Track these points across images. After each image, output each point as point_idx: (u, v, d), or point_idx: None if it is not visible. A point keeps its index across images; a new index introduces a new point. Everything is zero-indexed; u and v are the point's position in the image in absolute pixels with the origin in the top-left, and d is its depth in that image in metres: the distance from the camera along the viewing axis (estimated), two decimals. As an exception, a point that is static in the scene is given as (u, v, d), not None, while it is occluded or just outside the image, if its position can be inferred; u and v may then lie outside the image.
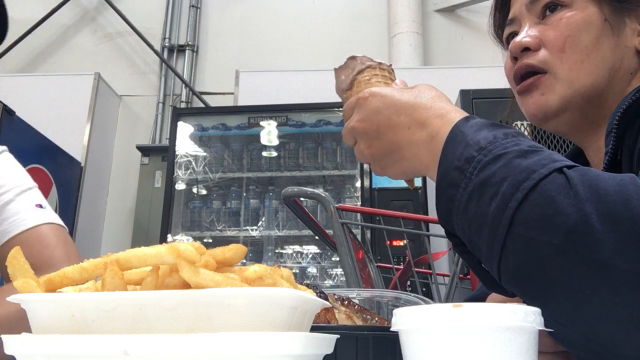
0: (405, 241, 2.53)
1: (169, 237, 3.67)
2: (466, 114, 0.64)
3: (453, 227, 0.59)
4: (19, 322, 0.53)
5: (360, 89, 0.74)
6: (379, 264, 2.45)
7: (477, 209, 0.54)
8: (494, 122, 0.60)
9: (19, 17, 4.72)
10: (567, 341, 0.55)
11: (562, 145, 2.84)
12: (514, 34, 0.86)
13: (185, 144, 4.06)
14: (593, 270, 0.47)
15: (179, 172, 3.98)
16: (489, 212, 0.53)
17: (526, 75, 0.81)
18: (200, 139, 4.18)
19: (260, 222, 3.94)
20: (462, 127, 0.60)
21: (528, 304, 0.52)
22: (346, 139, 0.75)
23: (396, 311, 0.47)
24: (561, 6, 0.80)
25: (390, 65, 0.78)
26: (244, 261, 0.58)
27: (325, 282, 3.89)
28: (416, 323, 0.45)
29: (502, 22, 0.92)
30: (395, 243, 3.07)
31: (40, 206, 1.17)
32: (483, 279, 0.63)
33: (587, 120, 0.80)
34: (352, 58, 0.78)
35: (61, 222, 1.18)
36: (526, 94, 0.82)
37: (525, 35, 0.81)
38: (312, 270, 3.94)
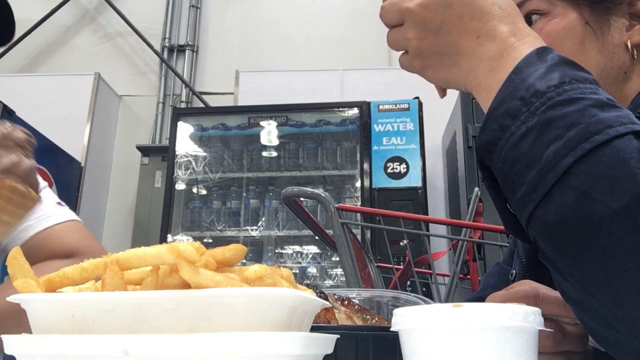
0: (405, 241, 2.53)
1: (169, 237, 3.67)
2: (544, 44, 0.59)
3: (491, 158, 0.55)
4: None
5: None
6: (379, 264, 2.45)
7: (531, 147, 0.50)
8: (573, 62, 0.56)
9: (19, 17, 4.70)
10: (579, 305, 0.52)
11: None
12: None
13: (185, 144, 4.06)
14: None
15: (179, 172, 3.98)
16: (544, 154, 0.49)
17: None
18: (200, 139, 4.18)
19: (260, 222, 3.94)
20: (537, 56, 0.56)
21: (549, 258, 0.51)
22: (388, 15, 0.66)
23: (396, 311, 0.47)
24: (540, 15, 0.79)
25: None
26: (244, 261, 0.58)
27: (325, 282, 3.89)
28: (416, 323, 0.45)
29: None
30: (395, 243, 3.07)
31: (60, 204, 1.20)
32: (504, 218, 0.59)
33: None
34: None
35: (81, 220, 1.23)
36: None
37: None
38: (312, 270, 3.94)
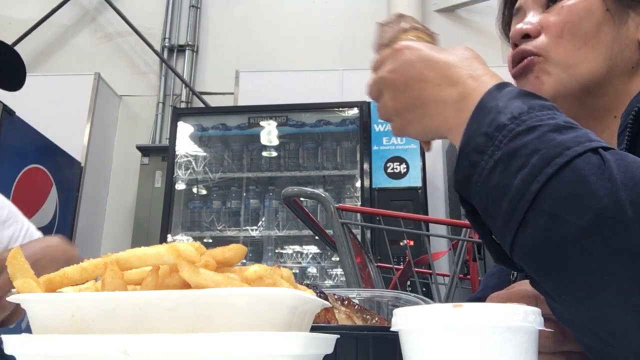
0: (405, 241, 2.53)
1: (169, 237, 3.67)
2: (501, 80, 0.62)
3: (469, 194, 0.57)
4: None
5: None
6: (379, 264, 2.46)
7: (500, 178, 0.52)
8: (530, 92, 0.59)
9: (19, 17, 4.72)
10: (572, 324, 0.53)
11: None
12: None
13: (185, 144, 4.06)
14: (618, 257, 0.45)
15: (179, 172, 3.98)
16: (513, 184, 0.51)
17: (522, 60, 0.81)
18: (200, 139, 4.18)
19: (260, 222, 3.94)
20: (496, 92, 0.59)
21: (537, 282, 0.52)
22: (371, 90, 0.72)
23: (396, 311, 0.47)
24: None
25: (435, 34, 0.77)
26: (244, 261, 0.58)
27: (325, 282, 3.89)
28: (416, 323, 0.45)
29: (510, 19, 0.92)
30: (395, 243, 3.07)
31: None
32: (492, 250, 0.61)
33: (586, 111, 0.80)
34: (400, 16, 0.76)
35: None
36: (521, 78, 0.82)
37: (526, 22, 0.81)
38: (312, 270, 3.94)
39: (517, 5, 0.87)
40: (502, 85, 0.60)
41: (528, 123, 0.53)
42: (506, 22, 0.95)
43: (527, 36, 0.81)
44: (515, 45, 0.83)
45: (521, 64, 0.81)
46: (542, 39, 0.79)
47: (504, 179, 0.52)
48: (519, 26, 0.82)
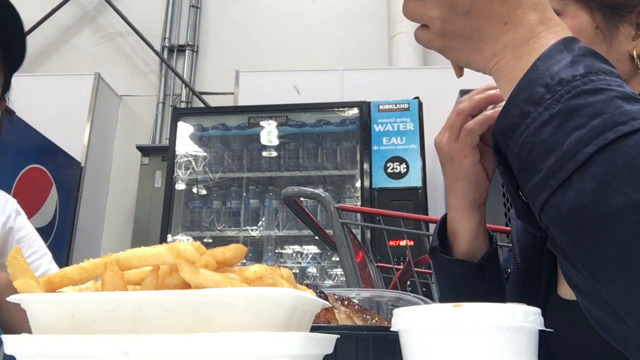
0: (405, 241, 2.53)
1: (169, 237, 3.67)
2: (571, 34, 0.58)
3: (507, 143, 0.55)
4: None
5: None
6: (379, 264, 2.45)
7: (552, 134, 0.50)
8: (600, 55, 0.56)
9: (19, 17, 4.71)
10: (586, 294, 0.52)
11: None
12: None
13: (185, 144, 4.06)
14: None
15: (179, 172, 3.98)
16: (565, 141, 0.49)
17: None
18: (200, 139, 4.18)
19: (260, 222, 3.94)
20: (565, 45, 0.55)
21: (561, 246, 0.50)
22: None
23: (396, 311, 0.47)
24: None
25: None
26: (244, 261, 0.58)
27: (325, 282, 3.89)
28: (416, 323, 0.45)
29: None
30: (395, 243, 3.07)
31: None
32: (517, 206, 0.59)
33: None
34: None
35: None
36: None
37: None
38: (312, 270, 3.94)
39: None
40: (572, 40, 0.57)
41: (596, 84, 0.51)
42: None
43: None
44: None
45: None
46: None
47: (555, 135, 0.50)
48: None
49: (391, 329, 0.48)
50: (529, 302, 0.55)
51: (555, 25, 0.59)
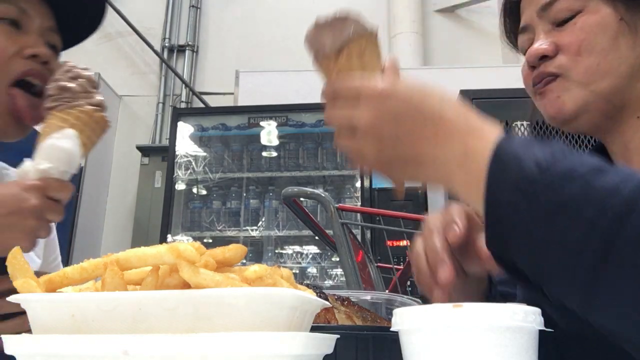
0: (405, 241, 2.53)
1: (169, 237, 3.66)
2: (498, 130, 0.58)
3: (509, 255, 0.53)
4: None
5: (351, 64, 0.65)
6: (379, 264, 2.45)
7: (553, 233, 0.48)
8: (536, 139, 0.55)
9: (19, 17, 4.71)
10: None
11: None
12: (527, 42, 0.85)
13: (185, 144, 4.06)
14: None
15: (179, 172, 3.98)
16: (571, 237, 0.47)
17: (542, 81, 0.81)
18: (200, 139, 4.18)
19: (260, 222, 3.94)
20: (506, 144, 0.55)
21: (626, 338, 0.48)
22: (340, 131, 0.66)
23: (396, 311, 0.47)
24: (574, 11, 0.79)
25: (377, 31, 0.69)
26: (244, 261, 0.58)
27: (325, 282, 3.89)
28: (416, 323, 0.45)
29: (513, 27, 0.91)
30: (394, 243, 3.07)
31: None
32: (546, 305, 0.55)
33: (609, 120, 0.79)
34: (342, 19, 0.67)
35: None
36: (542, 98, 0.82)
37: (541, 42, 0.80)
38: (312, 270, 3.94)
39: (522, 23, 0.86)
40: (508, 136, 0.56)
41: (560, 170, 0.50)
42: (509, 31, 0.94)
43: (544, 57, 0.80)
44: (532, 67, 0.82)
45: (541, 84, 0.81)
46: (560, 58, 0.79)
47: (558, 234, 0.48)
48: (535, 47, 0.81)
49: (391, 329, 0.48)
50: (544, 296, 0.53)
51: (483, 126, 0.59)
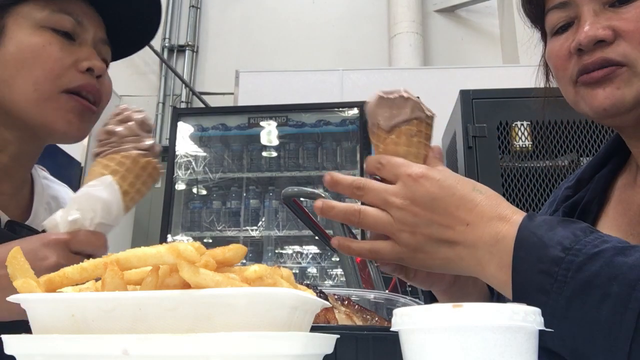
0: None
1: (169, 237, 3.67)
2: (525, 213, 0.59)
3: (545, 337, 0.51)
4: None
5: (399, 143, 0.68)
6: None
7: (582, 314, 0.49)
8: (560, 218, 0.57)
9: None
10: None
11: (568, 143, 2.84)
12: (565, 20, 0.78)
13: (185, 144, 4.06)
14: None
15: (179, 172, 3.98)
16: (600, 317, 0.48)
17: (600, 68, 0.74)
18: (200, 139, 4.18)
19: (260, 222, 3.94)
20: (530, 227, 0.56)
21: None
22: (378, 215, 0.65)
23: (396, 311, 0.47)
24: None
25: (433, 115, 0.72)
26: (244, 261, 0.58)
27: (325, 282, 3.89)
28: (416, 323, 0.45)
29: (542, 4, 0.82)
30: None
31: None
32: None
33: None
34: (405, 98, 0.70)
35: None
36: (596, 87, 0.75)
37: (597, 26, 0.73)
38: (312, 270, 3.94)
39: None
40: (531, 218, 0.57)
41: (585, 251, 0.51)
42: (534, 12, 0.85)
43: (600, 41, 0.73)
44: (579, 51, 0.75)
45: (600, 72, 0.74)
46: (623, 46, 0.72)
47: (587, 314, 0.49)
48: (590, 31, 0.73)
49: (391, 329, 0.48)
50: None
51: (511, 214, 0.60)
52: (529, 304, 0.51)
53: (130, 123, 0.84)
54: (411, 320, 0.45)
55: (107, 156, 0.81)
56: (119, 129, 0.83)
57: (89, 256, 0.74)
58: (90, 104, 0.93)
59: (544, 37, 0.85)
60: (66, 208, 0.78)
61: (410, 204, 0.63)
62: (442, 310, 0.43)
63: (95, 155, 0.82)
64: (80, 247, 0.76)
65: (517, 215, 0.60)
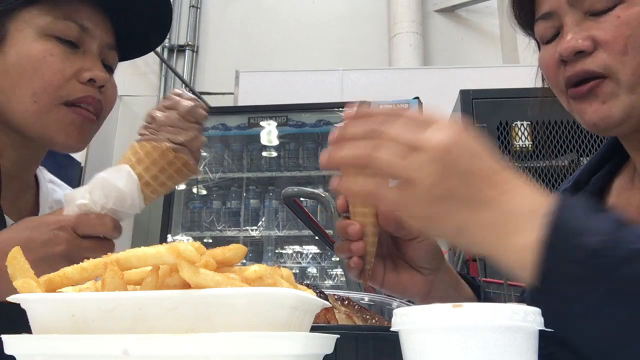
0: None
1: (169, 237, 3.67)
2: (548, 194, 0.55)
3: (570, 332, 0.50)
4: None
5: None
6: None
7: (618, 311, 0.47)
8: (593, 205, 0.53)
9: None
10: None
11: (570, 145, 2.84)
12: (552, 30, 0.77)
13: (185, 144, 4.06)
14: None
15: (179, 172, 3.97)
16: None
17: (582, 80, 0.73)
18: (200, 139, 4.18)
19: (260, 222, 3.94)
20: (566, 208, 0.51)
21: None
22: (393, 149, 0.55)
23: (396, 311, 0.47)
24: (617, 3, 0.71)
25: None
26: (244, 261, 0.58)
27: (325, 282, 3.89)
28: (416, 323, 0.45)
29: (527, 10, 0.82)
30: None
31: None
32: None
33: None
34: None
35: None
36: (583, 101, 0.74)
37: (577, 36, 0.72)
38: (312, 270, 3.94)
39: (546, 8, 0.77)
40: (565, 200, 0.53)
41: (626, 245, 0.47)
42: (518, 7, 0.84)
43: (579, 52, 0.72)
44: (563, 62, 0.74)
45: (584, 87, 0.73)
46: (603, 57, 0.70)
47: (623, 313, 0.46)
48: (570, 42, 0.72)
49: (391, 329, 0.48)
50: None
51: (538, 191, 0.55)
52: (553, 295, 0.48)
53: (173, 111, 0.80)
54: (411, 320, 0.45)
55: (140, 142, 0.80)
56: (159, 114, 0.80)
57: (100, 239, 0.76)
58: (91, 114, 0.91)
59: (537, 44, 0.84)
60: (82, 189, 0.78)
61: (448, 143, 0.54)
62: (442, 310, 0.43)
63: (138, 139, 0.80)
64: (86, 230, 0.75)
65: (541, 194, 0.55)
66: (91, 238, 0.76)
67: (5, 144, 0.92)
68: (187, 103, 0.80)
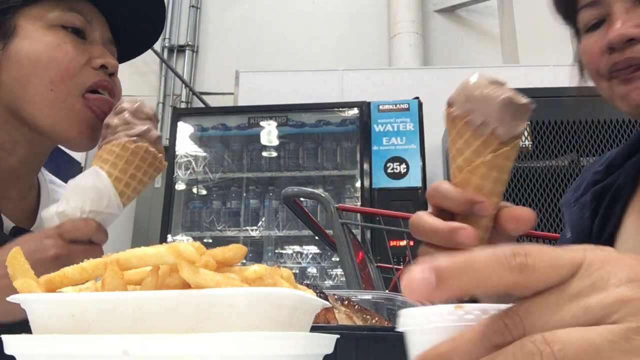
0: (405, 241, 2.53)
1: (169, 237, 3.67)
2: None
3: None
4: None
5: (494, 165, 0.55)
6: (379, 264, 2.46)
7: None
8: None
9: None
10: None
11: (570, 145, 2.84)
12: (597, 17, 0.77)
13: (185, 144, 4.06)
14: None
15: (179, 172, 3.98)
16: None
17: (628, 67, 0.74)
18: (200, 139, 4.18)
19: (260, 222, 3.95)
20: None
21: None
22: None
23: (401, 311, 0.47)
24: None
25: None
26: (244, 261, 0.58)
27: (325, 282, 3.90)
28: (419, 323, 0.45)
29: (573, 3, 0.81)
30: (395, 243, 3.07)
31: None
32: None
33: None
34: (525, 106, 0.56)
35: None
36: (628, 83, 0.74)
37: (628, 24, 0.72)
38: (312, 270, 3.94)
39: None
40: None
41: None
42: (565, 8, 0.84)
43: (630, 39, 0.72)
44: (610, 49, 0.75)
45: (628, 70, 0.73)
46: None
47: None
48: (621, 30, 0.72)
49: (396, 330, 0.48)
50: None
51: None
52: None
53: (123, 113, 0.84)
54: (414, 321, 0.45)
55: (100, 148, 0.82)
56: (111, 120, 0.84)
57: (89, 243, 0.77)
58: (103, 113, 0.91)
59: (577, 34, 0.84)
60: (59, 201, 0.79)
61: None
62: (442, 311, 0.43)
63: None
64: (72, 234, 0.77)
65: None
66: (79, 243, 0.77)
67: (15, 140, 0.92)
68: (134, 103, 0.85)
